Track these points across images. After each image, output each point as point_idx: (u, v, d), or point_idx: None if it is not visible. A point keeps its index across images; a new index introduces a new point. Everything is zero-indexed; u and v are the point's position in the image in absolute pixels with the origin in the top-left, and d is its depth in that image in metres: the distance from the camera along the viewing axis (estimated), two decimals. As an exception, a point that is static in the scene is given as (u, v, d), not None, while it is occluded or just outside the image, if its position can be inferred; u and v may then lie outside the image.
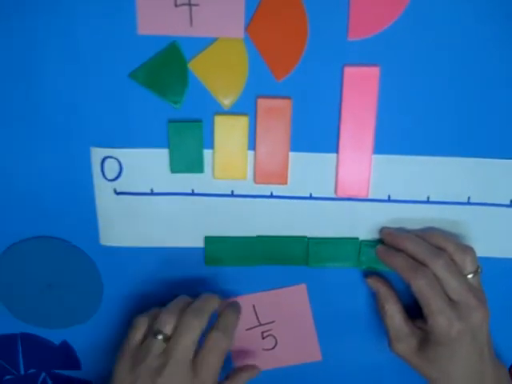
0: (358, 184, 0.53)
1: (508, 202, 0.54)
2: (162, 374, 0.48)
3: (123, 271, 0.58)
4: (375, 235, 0.56)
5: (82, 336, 0.61)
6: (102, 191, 0.55)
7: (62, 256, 0.57)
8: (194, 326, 0.50)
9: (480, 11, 0.48)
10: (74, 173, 0.54)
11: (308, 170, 0.53)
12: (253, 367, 0.57)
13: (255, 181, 0.54)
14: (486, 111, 0.51)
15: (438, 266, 0.50)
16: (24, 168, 0.54)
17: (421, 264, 0.51)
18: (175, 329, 0.50)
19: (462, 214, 0.55)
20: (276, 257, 0.57)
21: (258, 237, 0.56)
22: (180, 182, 0.54)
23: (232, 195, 0.55)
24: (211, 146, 0.53)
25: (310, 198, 0.54)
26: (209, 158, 0.53)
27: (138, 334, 0.52)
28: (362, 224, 0.55)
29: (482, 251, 0.54)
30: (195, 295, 0.56)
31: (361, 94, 0.51)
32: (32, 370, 0.63)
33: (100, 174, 0.54)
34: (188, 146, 0.53)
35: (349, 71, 0.50)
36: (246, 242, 0.56)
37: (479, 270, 0.52)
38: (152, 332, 0.50)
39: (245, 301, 0.57)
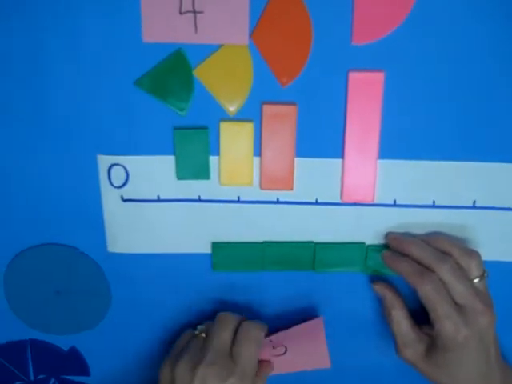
0: (363, 189, 0.53)
1: (514, 206, 0.54)
2: (202, 364, 0.50)
3: (130, 277, 0.58)
4: (381, 240, 0.56)
5: (91, 342, 0.61)
6: (109, 198, 0.55)
7: (69, 263, 0.57)
8: (229, 320, 0.54)
9: (484, 16, 0.48)
10: (81, 180, 0.54)
11: (314, 175, 0.54)
12: (268, 362, 0.57)
13: (261, 187, 0.54)
14: (490, 115, 0.51)
15: (444, 271, 0.50)
16: (31, 175, 0.54)
17: (427, 269, 0.51)
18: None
19: (467, 218, 0.55)
20: (283, 262, 0.57)
21: (265, 242, 0.56)
22: (186, 189, 0.54)
23: (238, 201, 0.55)
24: (217, 152, 0.53)
25: (316, 203, 0.55)
26: (215, 165, 0.53)
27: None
28: (368, 229, 0.56)
29: (487, 255, 0.54)
30: (203, 301, 0.56)
31: (366, 98, 0.51)
32: (41, 376, 0.64)
33: (107, 181, 0.54)
34: (194, 152, 0.53)
35: (353, 76, 0.50)
36: (252, 247, 0.56)
37: (485, 275, 0.52)
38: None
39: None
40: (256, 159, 0.53)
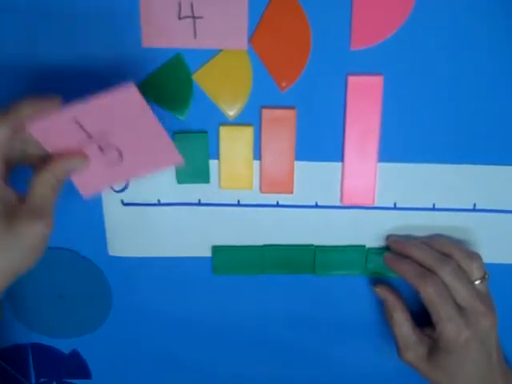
0: (363, 192, 0.53)
1: (514, 208, 0.55)
2: None
3: (131, 281, 0.58)
4: (382, 243, 0.56)
5: (92, 345, 0.61)
6: (110, 202, 0.55)
7: (70, 266, 0.58)
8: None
9: (483, 20, 0.48)
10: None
11: (313, 178, 0.54)
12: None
13: (261, 190, 0.54)
14: (490, 118, 0.51)
15: (446, 273, 0.50)
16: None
17: (428, 271, 0.51)
18: None
19: (468, 220, 0.55)
20: (283, 265, 0.57)
21: (265, 246, 0.56)
22: (186, 193, 0.54)
23: (238, 205, 0.55)
24: (217, 156, 0.53)
25: (316, 206, 0.55)
26: (215, 169, 0.54)
27: None
28: (369, 232, 0.56)
29: (488, 257, 0.54)
30: (203, 305, 0.56)
31: (365, 102, 0.51)
32: (43, 380, 0.64)
33: (107, 185, 0.54)
34: (194, 156, 0.53)
35: (352, 80, 0.50)
36: (252, 250, 0.56)
37: (486, 277, 0.52)
38: None
39: (62, 118, 0.44)
40: (256, 163, 0.53)
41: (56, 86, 0.51)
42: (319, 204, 0.55)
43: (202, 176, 0.54)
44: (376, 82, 0.50)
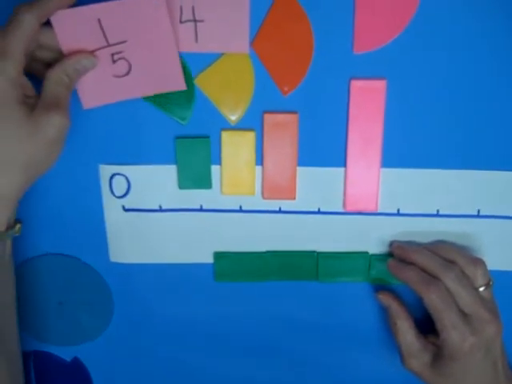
0: (366, 198, 0.53)
1: (518, 215, 0.54)
2: None
3: (133, 287, 0.58)
4: (385, 249, 0.55)
5: (93, 352, 0.61)
6: (111, 208, 0.55)
7: (72, 273, 0.57)
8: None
9: (486, 24, 0.48)
10: (83, 190, 0.54)
11: (316, 184, 0.53)
12: None
13: (263, 196, 0.54)
14: (494, 123, 0.51)
15: (450, 280, 0.50)
16: (33, 185, 0.54)
17: (433, 277, 0.50)
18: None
19: (471, 226, 0.54)
20: (286, 272, 0.56)
21: (267, 252, 0.56)
22: (188, 198, 0.54)
23: (240, 211, 0.55)
24: (219, 161, 0.53)
25: (319, 212, 0.54)
26: (217, 174, 0.53)
27: None
28: (372, 238, 0.55)
29: (492, 264, 0.53)
30: (206, 311, 0.56)
31: (368, 107, 0.51)
32: (44, 387, 0.63)
33: (108, 191, 0.54)
34: (196, 162, 0.53)
35: (355, 84, 0.50)
36: (255, 257, 0.56)
37: (491, 283, 0.52)
38: None
39: (87, 13, 0.45)
40: (258, 168, 0.53)
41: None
42: (322, 210, 0.54)
43: (204, 181, 0.53)
44: (379, 86, 0.50)
